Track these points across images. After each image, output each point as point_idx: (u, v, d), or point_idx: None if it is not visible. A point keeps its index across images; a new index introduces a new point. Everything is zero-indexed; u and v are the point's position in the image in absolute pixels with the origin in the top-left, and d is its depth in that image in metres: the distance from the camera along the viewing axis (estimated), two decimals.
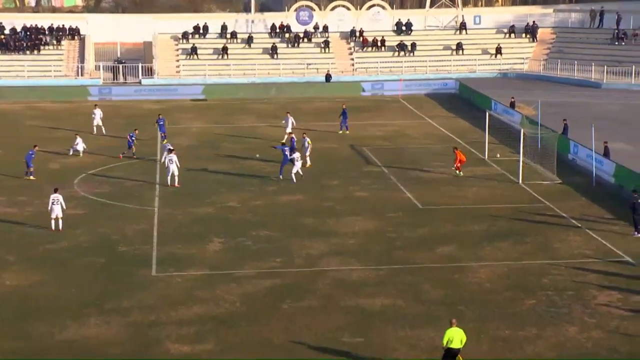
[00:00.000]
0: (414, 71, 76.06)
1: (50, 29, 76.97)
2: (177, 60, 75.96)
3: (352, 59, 77.76)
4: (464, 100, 66.82)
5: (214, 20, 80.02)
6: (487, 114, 51.13)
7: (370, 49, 78.35)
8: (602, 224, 37.44)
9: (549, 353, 25.89)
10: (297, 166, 43.65)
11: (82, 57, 74.52)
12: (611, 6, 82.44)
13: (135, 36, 79.11)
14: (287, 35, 78.94)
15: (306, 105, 64.75)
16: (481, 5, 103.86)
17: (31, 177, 44.13)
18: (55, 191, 36.86)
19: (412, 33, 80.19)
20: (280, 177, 43.75)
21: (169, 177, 42.85)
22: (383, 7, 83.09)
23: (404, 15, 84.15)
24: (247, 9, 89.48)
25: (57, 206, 36.19)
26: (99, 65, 74.13)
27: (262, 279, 31.18)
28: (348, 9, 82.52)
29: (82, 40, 76.34)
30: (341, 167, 47.00)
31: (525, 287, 30.44)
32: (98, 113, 55.31)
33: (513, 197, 41.32)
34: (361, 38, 78.94)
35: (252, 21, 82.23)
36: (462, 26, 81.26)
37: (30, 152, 44.72)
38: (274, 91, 70.05)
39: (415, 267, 32.36)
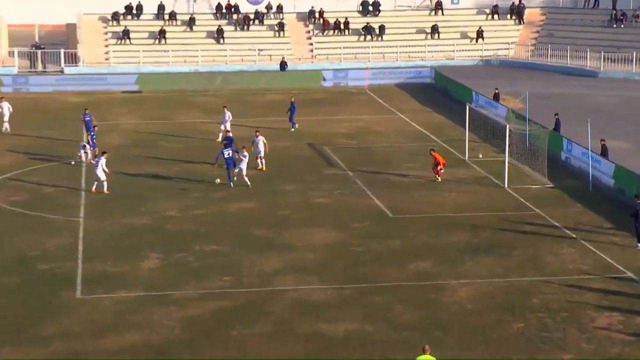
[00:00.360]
0: (382, 58, 76.21)
1: None
2: (106, 46, 75.50)
3: (311, 44, 77.75)
4: (441, 92, 67.08)
5: None
6: (468, 107, 51.32)
7: (332, 32, 78.38)
8: (601, 234, 37.68)
9: None
10: (243, 167, 43.38)
11: None
12: None
13: (57, 17, 78.52)
14: (235, 16, 78.77)
15: (257, 98, 64.65)
16: None
17: None
18: None
19: (380, 14, 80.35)
20: (231, 184, 43.53)
21: (95, 183, 42.58)
22: None
23: None
24: None
25: None
26: (13, 52, 73.40)
27: (206, 301, 31.00)
28: None
29: None
30: (298, 169, 46.95)
31: (513, 309, 30.49)
32: (6, 107, 54.60)
33: (498, 204, 41.48)
34: (321, 20, 78.96)
35: (195, 0, 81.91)
36: (438, 6, 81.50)
37: None
38: (220, 81, 69.85)
39: (385, 286, 32.34)
